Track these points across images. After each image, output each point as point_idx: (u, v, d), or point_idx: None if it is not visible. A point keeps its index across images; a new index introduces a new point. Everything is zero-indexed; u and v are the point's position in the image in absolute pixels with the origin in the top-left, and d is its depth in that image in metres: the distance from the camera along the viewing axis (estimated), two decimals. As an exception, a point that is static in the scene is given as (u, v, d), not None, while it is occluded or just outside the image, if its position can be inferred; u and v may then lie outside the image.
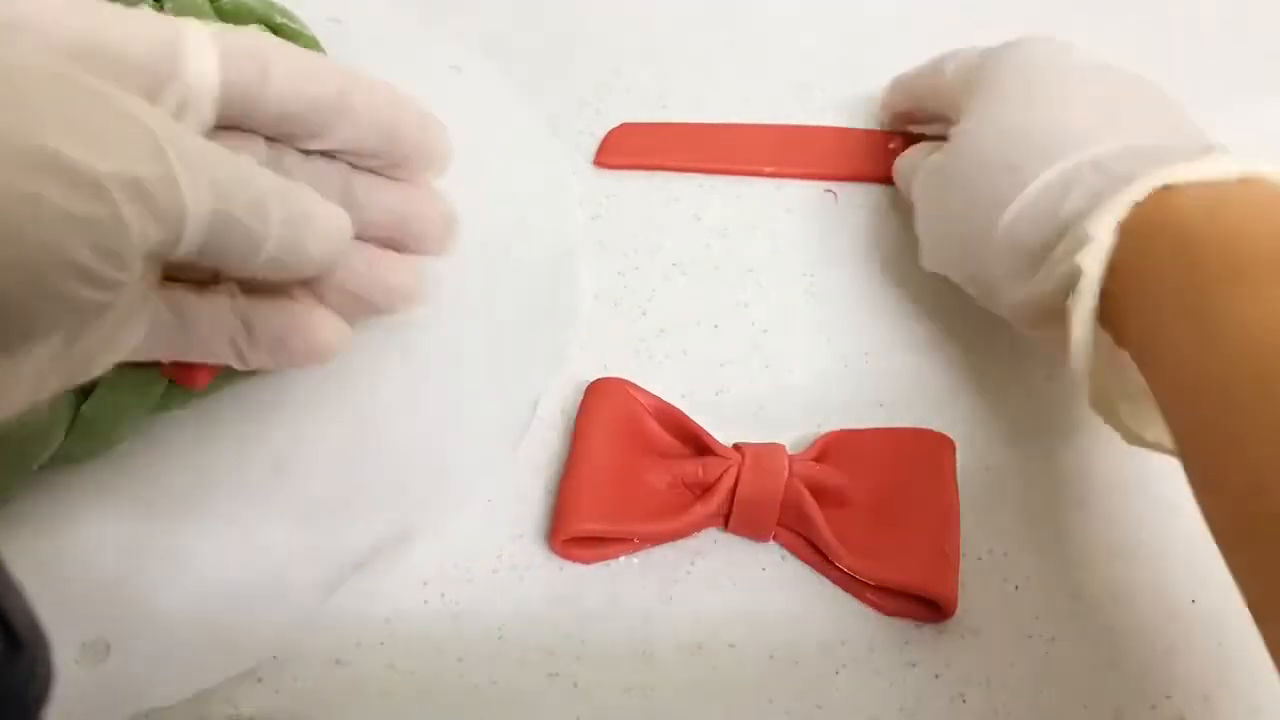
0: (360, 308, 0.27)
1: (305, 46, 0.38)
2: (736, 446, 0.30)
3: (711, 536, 0.30)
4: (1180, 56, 0.44)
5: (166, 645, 0.26)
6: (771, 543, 0.30)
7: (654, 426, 0.31)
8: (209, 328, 0.25)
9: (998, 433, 0.32)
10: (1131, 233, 0.26)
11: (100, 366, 0.23)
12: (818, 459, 0.30)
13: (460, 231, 0.29)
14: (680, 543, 0.29)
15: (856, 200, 0.38)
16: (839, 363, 0.34)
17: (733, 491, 0.29)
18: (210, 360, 0.26)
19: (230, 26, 0.24)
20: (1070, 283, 0.26)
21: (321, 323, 0.26)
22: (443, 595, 0.28)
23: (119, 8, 0.22)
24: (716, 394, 0.33)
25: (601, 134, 0.39)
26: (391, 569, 0.28)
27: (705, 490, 0.29)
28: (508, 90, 0.40)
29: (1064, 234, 0.27)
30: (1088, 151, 0.28)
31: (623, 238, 0.36)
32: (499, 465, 0.31)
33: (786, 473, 0.28)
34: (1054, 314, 0.28)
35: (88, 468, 0.28)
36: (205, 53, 0.22)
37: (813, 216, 0.38)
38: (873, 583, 0.28)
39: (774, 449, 0.29)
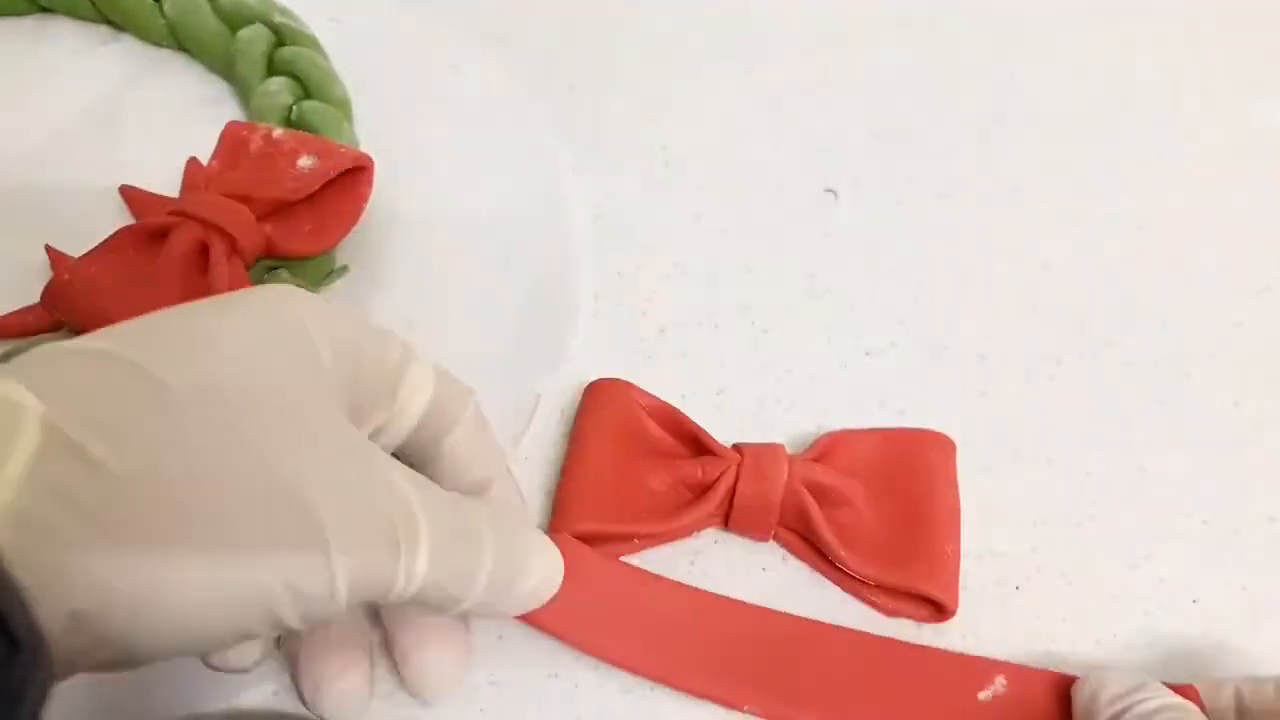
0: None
1: (305, 46, 0.38)
2: (736, 447, 0.30)
3: (712, 537, 0.30)
4: (1181, 56, 0.44)
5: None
6: (771, 542, 0.30)
7: (653, 427, 0.30)
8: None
9: (997, 433, 0.32)
10: None
11: None
12: (817, 459, 0.30)
13: None
14: (680, 543, 0.29)
15: (857, 200, 0.38)
16: (839, 363, 0.34)
17: (732, 491, 0.28)
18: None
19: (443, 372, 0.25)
20: None
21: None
22: (442, 595, 0.28)
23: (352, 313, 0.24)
24: (717, 394, 0.33)
25: (601, 133, 0.39)
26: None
27: (704, 490, 0.29)
28: (508, 90, 0.40)
29: None
30: None
31: (623, 237, 0.36)
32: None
33: (786, 473, 0.28)
34: None
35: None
36: (423, 385, 0.24)
37: (813, 216, 0.38)
38: (873, 582, 0.28)
39: (773, 449, 0.29)
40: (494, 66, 0.40)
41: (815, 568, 0.29)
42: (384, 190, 0.33)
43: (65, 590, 0.17)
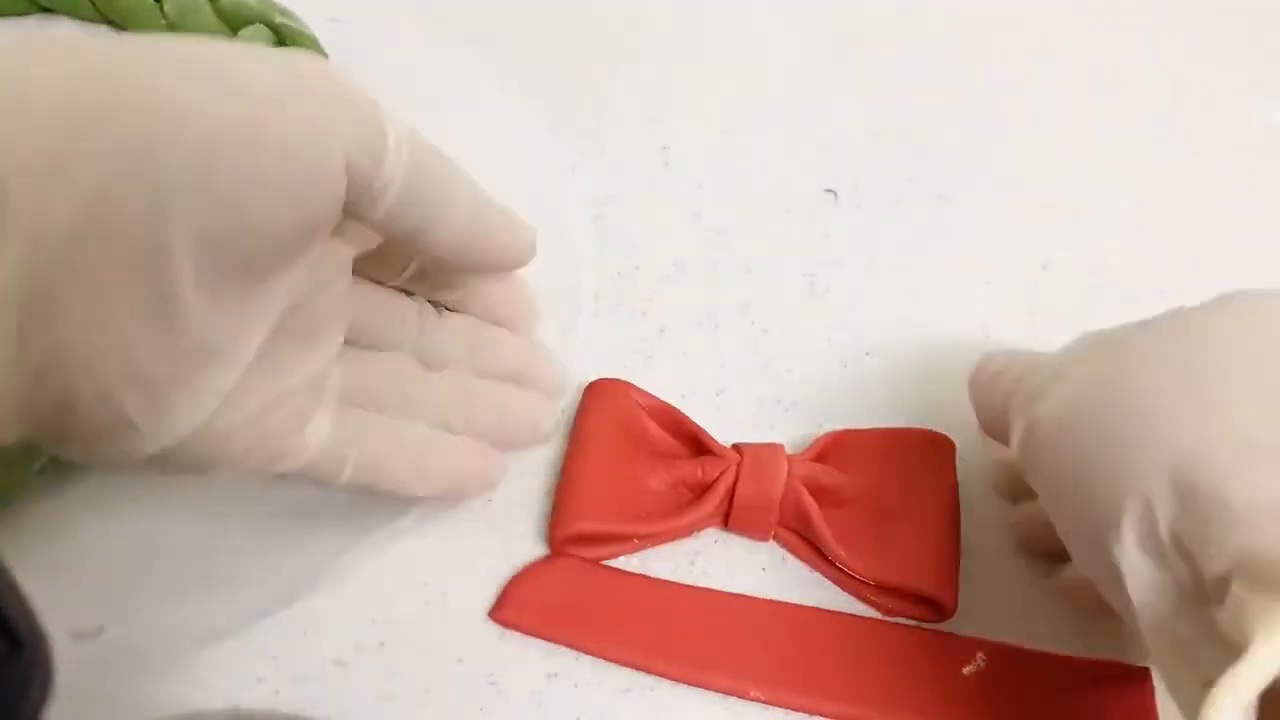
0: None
1: (305, 46, 0.38)
2: (736, 447, 0.30)
3: (712, 537, 0.30)
4: (1181, 56, 0.44)
5: (165, 644, 0.26)
6: (771, 542, 0.30)
7: (653, 427, 0.31)
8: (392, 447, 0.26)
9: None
10: None
11: (302, 369, 0.23)
12: (817, 459, 0.30)
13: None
14: (680, 543, 0.29)
15: (857, 200, 0.38)
16: (839, 363, 0.34)
17: (732, 491, 0.29)
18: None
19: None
20: (1227, 648, 0.19)
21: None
22: (443, 595, 0.28)
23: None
24: (717, 394, 0.33)
25: (601, 133, 0.39)
26: (392, 569, 0.28)
27: (704, 490, 0.29)
28: (508, 90, 0.40)
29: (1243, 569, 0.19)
30: None
31: (623, 237, 0.36)
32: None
33: (785, 472, 0.28)
34: (1189, 652, 0.20)
35: (88, 470, 0.28)
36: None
37: (813, 216, 0.38)
38: (873, 582, 0.28)
39: (773, 449, 0.29)
40: (494, 66, 0.40)
41: (815, 568, 0.29)
42: (384, 190, 0.33)
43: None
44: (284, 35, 0.38)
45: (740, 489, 0.28)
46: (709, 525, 0.29)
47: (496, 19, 0.42)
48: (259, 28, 0.38)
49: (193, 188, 0.18)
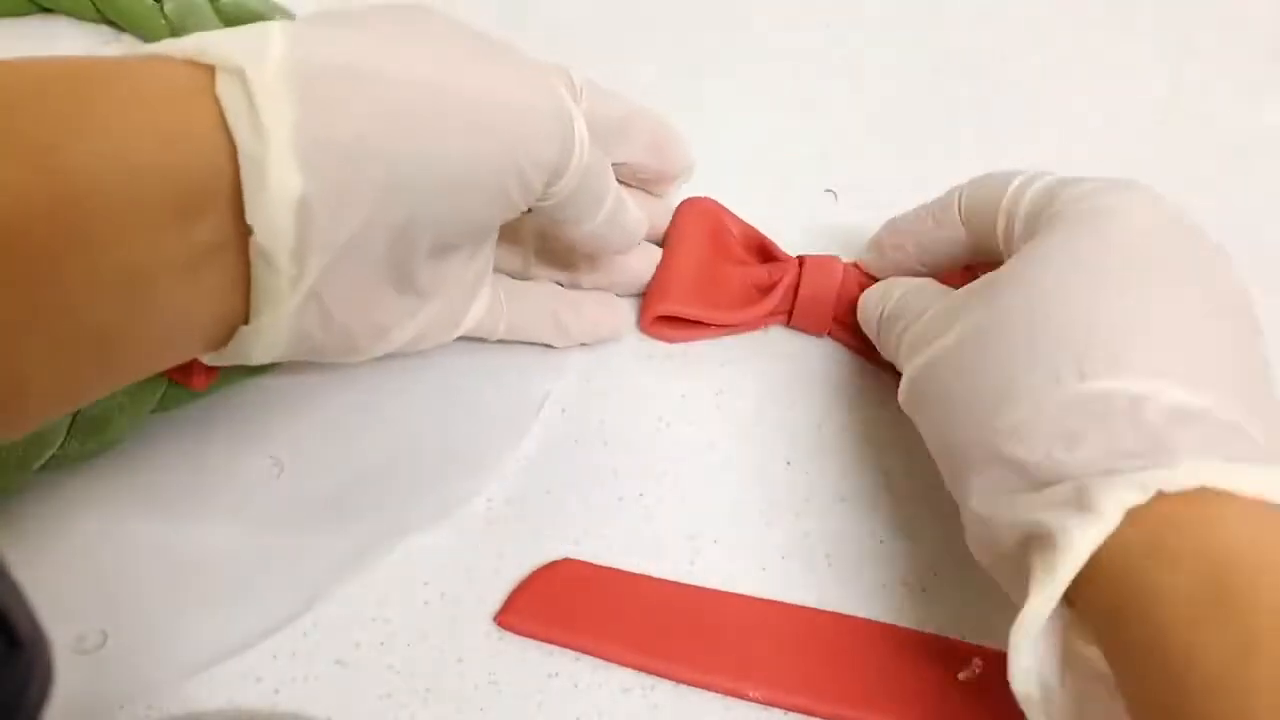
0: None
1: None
2: (799, 257, 0.33)
3: (712, 538, 0.30)
4: (1181, 56, 0.44)
5: (165, 645, 0.26)
6: (828, 337, 0.31)
7: (732, 237, 0.35)
8: (534, 308, 0.31)
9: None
10: (1144, 525, 0.21)
11: (459, 325, 0.29)
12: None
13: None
14: (685, 531, 0.29)
15: (857, 200, 0.38)
16: (839, 362, 0.34)
17: (795, 290, 0.32)
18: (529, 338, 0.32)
19: None
20: (1045, 542, 0.22)
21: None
22: (443, 595, 0.28)
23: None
24: (717, 394, 0.33)
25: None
26: (392, 569, 0.28)
27: (771, 288, 0.33)
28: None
29: (1063, 476, 0.22)
30: (1131, 382, 0.22)
31: (623, 238, 0.36)
32: (500, 465, 0.31)
33: (840, 274, 0.32)
34: (1011, 557, 0.24)
35: (88, 468, 0.28)
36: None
37: (813, 216, 0.38)
38: None
39: (831, 258, 0.33)
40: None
41: (865, 356, 0.33)
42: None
43: (352, 111, 0.21)
44: (284, 35, 0.38)
45: (803, 286, 0.32)
46: (775, 321, 0.34)
47: (496, 19, 0.42)
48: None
49: (436, 209, 0.24)
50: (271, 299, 0.22)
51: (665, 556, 0.29)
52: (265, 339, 0.23)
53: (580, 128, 0.26)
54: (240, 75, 0.20)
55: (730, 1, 0.45)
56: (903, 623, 0.29)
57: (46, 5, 0.40)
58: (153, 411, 0.29)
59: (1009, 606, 0.27)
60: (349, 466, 0.30)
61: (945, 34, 0.44)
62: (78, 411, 0.28)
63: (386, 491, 0.29)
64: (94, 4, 0.39)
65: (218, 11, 0.38)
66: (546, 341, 0.32)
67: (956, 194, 0.30)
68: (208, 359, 0.25)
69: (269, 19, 0.38)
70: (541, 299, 0.32)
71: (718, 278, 0.34)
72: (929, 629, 0.29)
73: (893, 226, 0.32)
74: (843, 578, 0.30)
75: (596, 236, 0.29)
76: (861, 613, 0.29)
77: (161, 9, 0.39)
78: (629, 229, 0.30)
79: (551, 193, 0.26)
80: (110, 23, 0.40)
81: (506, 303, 0.30)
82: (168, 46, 0.21)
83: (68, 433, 0.27)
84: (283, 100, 0.20)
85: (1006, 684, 0.22)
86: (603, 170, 0.28)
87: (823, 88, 0.42)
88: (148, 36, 0.39)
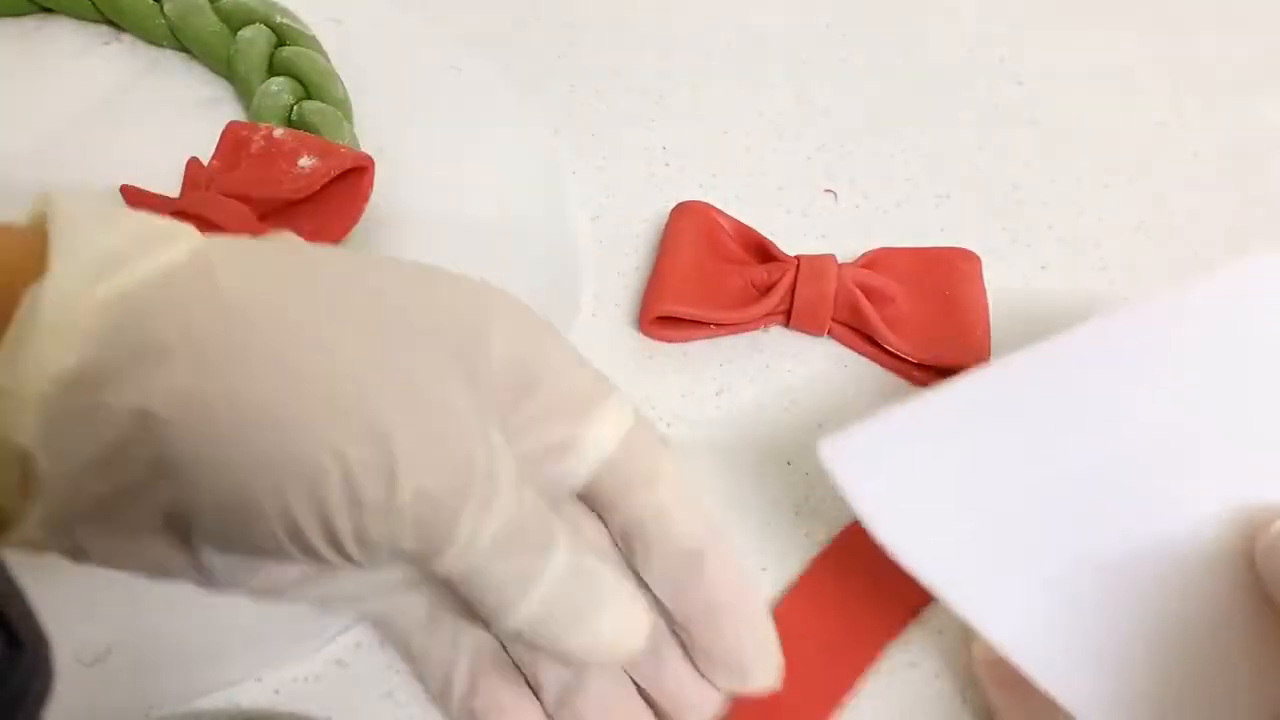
0: None
1: (305, 46, 0.38)
2: (796, 257, 0.33)
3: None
4: (1181, 56, 0.44)
5: (167, 646, 0.26)
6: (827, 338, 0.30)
7: (728, 238, 0.35)
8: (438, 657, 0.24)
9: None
10: None
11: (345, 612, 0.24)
12: (865, 266, 0.34)
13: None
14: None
15: (857, 200, 0.38)
16: (839, 363, 0.34)
17: (792, 290, 0.33)
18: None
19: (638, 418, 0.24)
20: None
21: None
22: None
23: (566, 344, 0.23)
24: (717, 394, 0.33)
25: (601, 133, 0.39)
26: (391, 569, 0.28)
27: (769, 289, 0.33)
28: (508, 90, 0.40)
29: None
30: None
31: (623, 238, 0.36)
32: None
33: (836, 274, 0.33)
34: None
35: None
36: (615, 423, 0.23)
37: (813, 216, 0.38)
38: (915, 360, 0.32)
39: (826, 257, 0.33)
40: (494, 66, 0.40)
41: (866, 355, 0.33)
42: (384, 190, 0.33)
43: (143, 385, 0.18)
44: (285, 35, 0.38)
45: (800, 288, 0.33)
46: (773, 321, 0.34)
47: (496, 19, 0.42)
48: (259, 28, 0.38)
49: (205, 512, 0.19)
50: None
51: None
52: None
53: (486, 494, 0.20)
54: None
55: (730, 1, 0.45)
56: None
57: (46, 5, 0.40)
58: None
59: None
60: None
61: (945, 34, 0.44)
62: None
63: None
64: (94, 4, 0.39)
65: (217, 11, 0.39)
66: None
67: None
68: None
69: (269, 19, 0.38)
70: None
71: (716, 278, 0.34)
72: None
73: None
74: (842, 578, 0.30)
75: (535, 634, 0.21)
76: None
77: (161, 9, 0.39)
78: (587, 644, 0.21)
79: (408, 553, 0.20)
80: (110, 22, 0.40)
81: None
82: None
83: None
84: (77, 333, 0.17)
85: None
86: (530, 536, 0.20)
87: (822, 88, 0.42)
88: (147, 36, 0.39)
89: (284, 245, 0.22)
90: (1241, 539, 0.24)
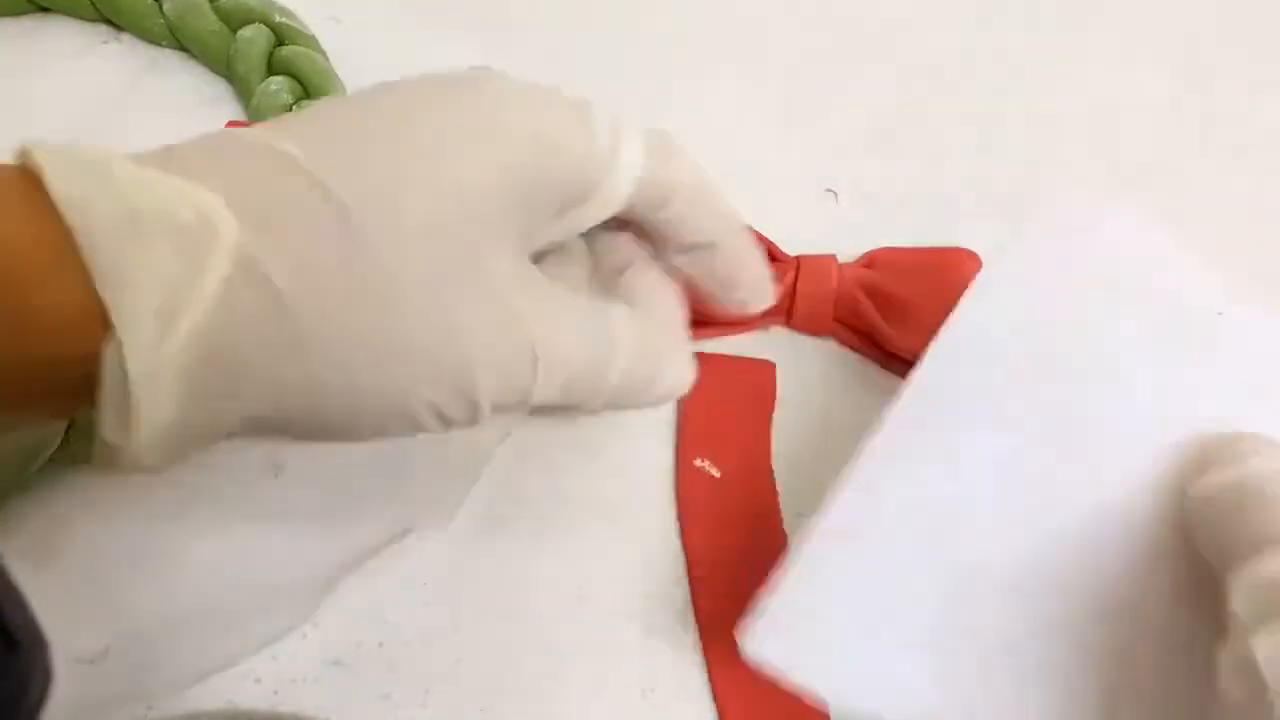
0: None
1: (305, 46, 0.38)
2: (795, 257, 0.33)
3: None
4: (1181, 56, 0.44)
5: (165, 646, 0.26)
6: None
7: None
8: None
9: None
10: None
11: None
12: (866, 266, 0.34)
13: None
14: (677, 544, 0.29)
15: (856, 200, 0.38)
16: (840, 363, 0.34)
17: (793, 290, 0.33)
18: None
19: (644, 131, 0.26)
20: None
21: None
22: (443, 595, 0.28)
23: (578, 103, 0.25)
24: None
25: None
26: (391, 569, 0.28)
27: None
28: (507, 90, 0.40)
29: None
30: None
31: (622, 237, 0.36)
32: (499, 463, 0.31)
33: (837, 274, 0.33)
34: None
35: (87, 468, 0.28)
36: (630, 166, 0.25)
37: (813, 216, 0.38)
38: (917, 360, 0.31)
39: (826, 258, 0.33)
40: (494, 66, 0.40)
41: (867, 355, 0.33)
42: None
43: (239, 402, 0.20)
44: (284, 35, 0.38)
45: (800, 288, 0.33)
46: (774, 321, 0.34)
47: (496, 19, 0.42)
48: (259, 27, 0.38)
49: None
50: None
51: (666, 556, 0.29)
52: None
53: (546, 369, 0.23)
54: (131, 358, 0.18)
55: (730, 2, 0.45)
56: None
57: (45, 4, 0.40)
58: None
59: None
60: (348, 469, 0.30)
61: (945, 34, 0.44)
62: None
63: (385, 493, 0.29)
64: (93, 3, 0.39)
65: (217, 11, 0.39)
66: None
67: None
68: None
69: (269, 19, 0.38)
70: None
71: None
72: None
73: None
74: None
75: (608, 408, 0.25)
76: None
77: (160, 8, 0.39)
78: (656, 398, 0.26)
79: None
80: (110, 22, 0.40)
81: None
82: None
83: (67, 433, 0.27)
84: (168, 389, 0.19)
85: None
86: (593, 391, 0.24)
87: (822, 88, 0.42)
88: (147, 36, 0.39)
89: (314, 200, 0.20)
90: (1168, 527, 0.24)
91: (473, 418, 0.22)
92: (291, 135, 0.20)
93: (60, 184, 0.18)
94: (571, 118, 0.24)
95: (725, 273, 0.27)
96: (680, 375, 0.26)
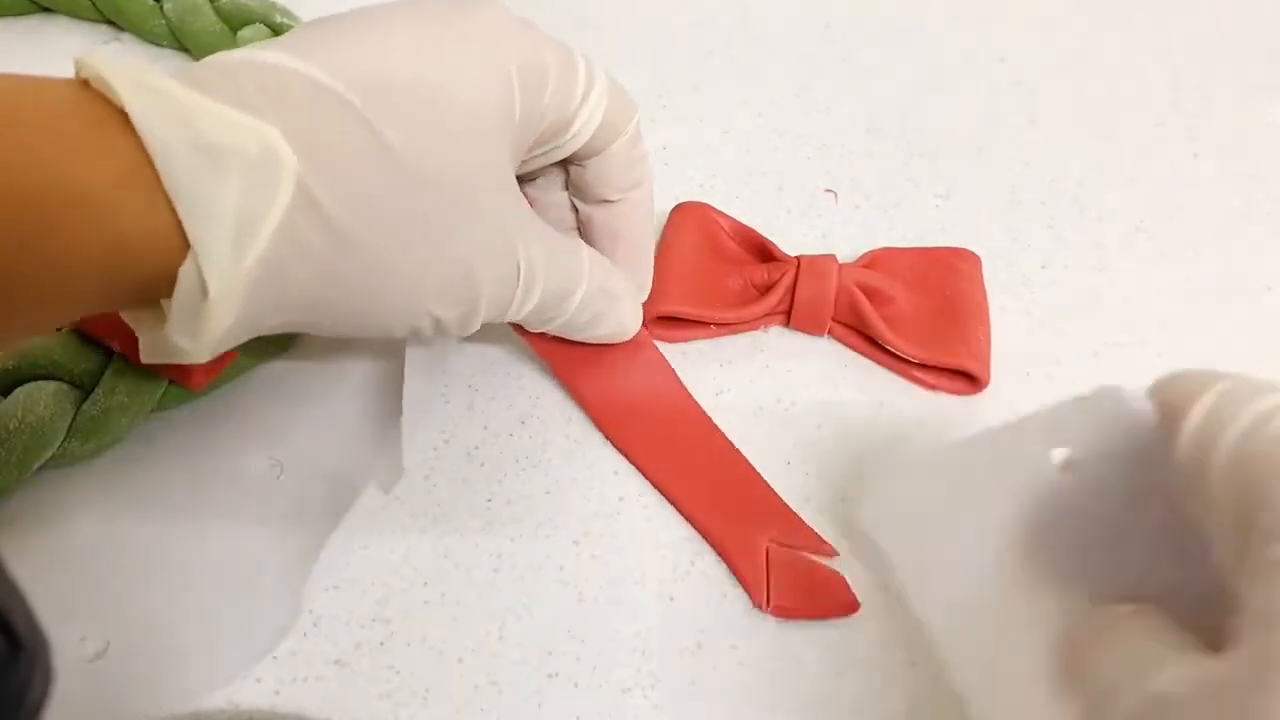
0: None
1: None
2: (796, 257, 0.33)
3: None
4: (1181, 56, 0.44)
5: (165, 645, 0.26)
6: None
7: (728, 238, 0.35)
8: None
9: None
10: None
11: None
12: (866, 266, 0.34)
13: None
14: (685, 533, 0.30)
15: (857, 200, 0.38)
16: (840, 364, 0.34)
17: (792, 290, 0.33)
18: None
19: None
20: None
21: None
22: (443, 595, 0.28)
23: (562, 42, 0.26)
24: (717, 394, 0.33)
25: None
26: (392, 569, 0.28)
27: (769, 289, 0.33)
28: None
29: None
30: None
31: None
32: (499, 463, 0.31)
33: (837, 274, 0.33)
34: None
35: (87, 468, 0.28)
36: (598, 108, 0.27)
37: (813, 216, 0.38)
38: (916, 361, 0.33)
39: (827, 257, 0.33)
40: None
41: (867, 355, 0.33)
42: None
43: (283, 313, 0.22)
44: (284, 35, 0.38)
45: (800, 288, 0.33)
46: (774, 321, 0.34)
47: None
48: (259, 27, 0.38)
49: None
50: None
51: (665, 556, 0.29)
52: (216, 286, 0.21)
53: (539, 287, 0.26)
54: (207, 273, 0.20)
55: (729, 2, 0.45)
56: (900, 617, 0.29)
57: (46, 5, 0.40)
58: (152, 411, 0.29)
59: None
60: (347, 468, 0.30)
61: (945, 34, 0.44)
62: (77, 411, 0.28)
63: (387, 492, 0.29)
64: (94, 4, 0.39)
65: (217, 10, 0.39)
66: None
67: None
68: (152, 348, 0.23)
69: (269, 19, 0.38)
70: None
71: (716, 278, 0.34)
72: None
73: None
74: (843, 578, 0.30)
75: (569, 330, 0.29)
76: (861, 612, 0.29)
77: (161, 8, 0.39)
78: (606, 333, 0.30)
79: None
80: (110, 22, 0.40)
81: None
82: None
83: (67, 433, 0.27)
84: (232, 305, 0.21)
85: None
86: (562, 307, 0.28)
87: (822, 88, 0.42)
88: (147, 36, 0.39)
89: (362, 137, 0.22)
90: None
91: (464, 329, 0.25)
92: (330, 65, 0.22)
93: (143, 118, 0.19)
94: (562, 54, 0.26)
95: (620, 227, 0.30)
96: (627, 318, 0.30)
